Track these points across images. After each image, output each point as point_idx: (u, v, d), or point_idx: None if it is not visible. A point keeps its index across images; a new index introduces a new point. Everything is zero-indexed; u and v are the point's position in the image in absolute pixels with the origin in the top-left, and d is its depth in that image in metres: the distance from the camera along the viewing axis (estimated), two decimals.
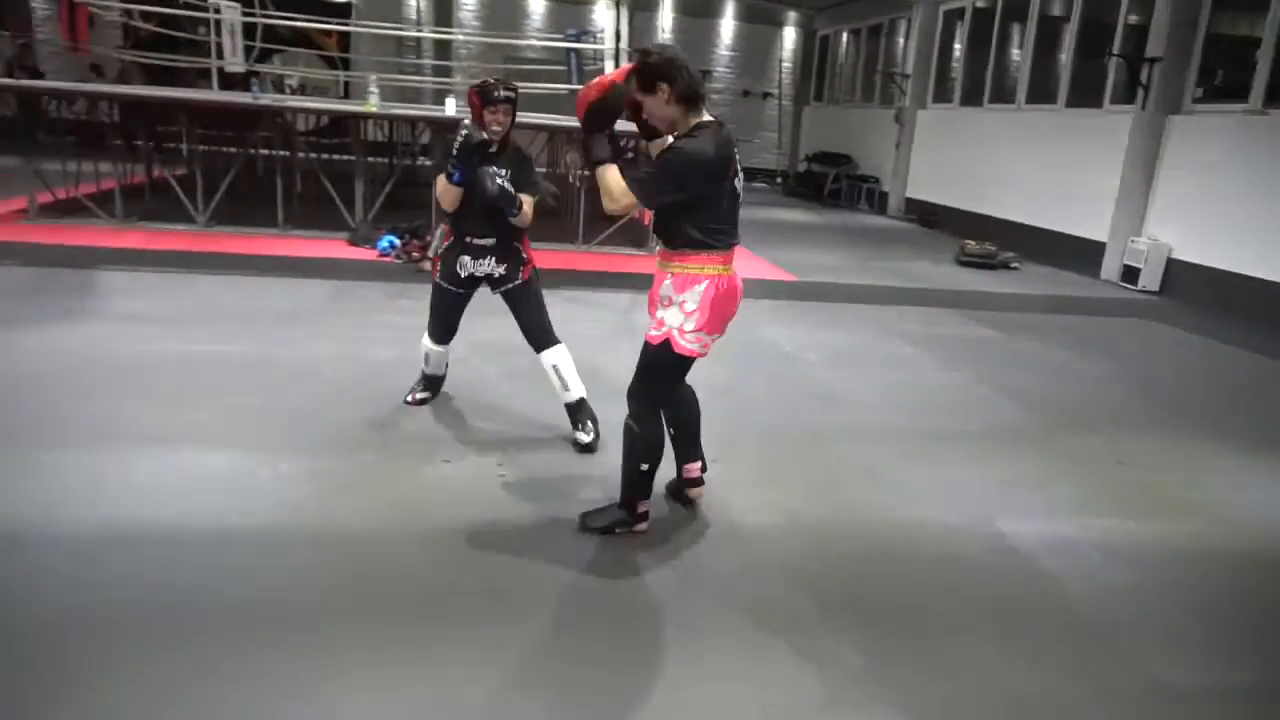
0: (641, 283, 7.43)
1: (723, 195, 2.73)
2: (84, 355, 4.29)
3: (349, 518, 2.94)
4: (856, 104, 16.59)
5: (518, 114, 3.61)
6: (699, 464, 3.22)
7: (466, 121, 3.47)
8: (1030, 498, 3.60)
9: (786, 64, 18.81)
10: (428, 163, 10.00)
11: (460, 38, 15.95)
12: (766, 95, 18.80)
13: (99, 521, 2.77)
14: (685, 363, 2.89)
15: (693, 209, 2.70)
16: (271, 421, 3.66)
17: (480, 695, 2.15)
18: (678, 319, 2.78)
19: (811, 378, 5.06)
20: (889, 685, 2.32)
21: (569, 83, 12.77)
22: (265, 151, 9.84)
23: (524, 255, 3.78)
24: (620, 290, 6.83)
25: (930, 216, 13.15)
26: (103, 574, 2.50)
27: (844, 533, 3.18)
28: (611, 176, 2.69)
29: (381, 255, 7.20)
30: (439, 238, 6.95)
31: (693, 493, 3.23)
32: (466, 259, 3.70)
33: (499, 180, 3.42)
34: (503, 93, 3.46)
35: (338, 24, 12.16)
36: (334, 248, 7.54)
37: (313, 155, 9.45)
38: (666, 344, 2.81)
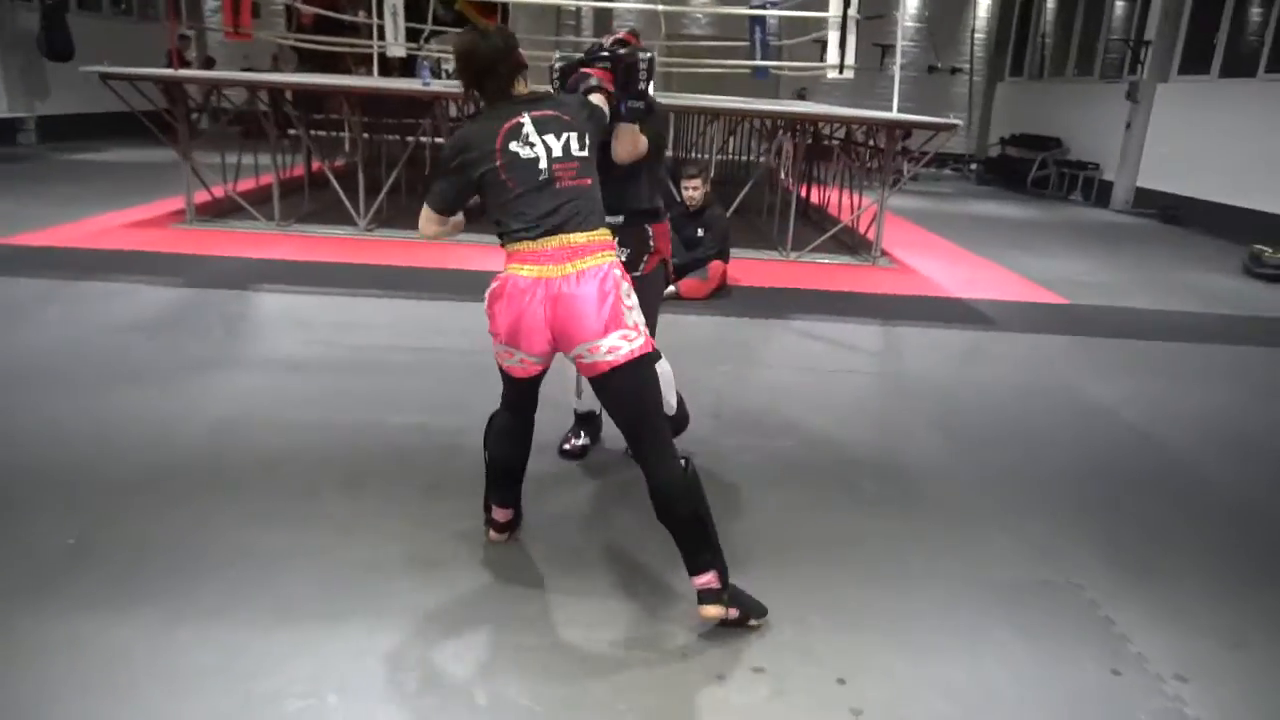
0: (879, 307, 6.16)
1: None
2: (221, 431, 3.26)
3: None
4: (1068, 79, 14.39)
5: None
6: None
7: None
8: None
9: (980, 35, 16.70)
10: None
11: (622, 6, 14.78)
12: (955, 70, 16.76)
13: None
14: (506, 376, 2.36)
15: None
16: (466, 588, 2.42)
17: None
18: None
19: (1220, 500, 3.45)
20: None
21: (752, 59, 11.39)
22: (428, 140, 8.95)
23: (651, 243, 2.97)
24: (846, 317, 5.46)
25: (1172, 211, 11.04)
26: None
27: None
28: None
29: None
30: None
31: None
32: None
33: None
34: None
35: None
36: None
37: None
38: None
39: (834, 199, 8.77)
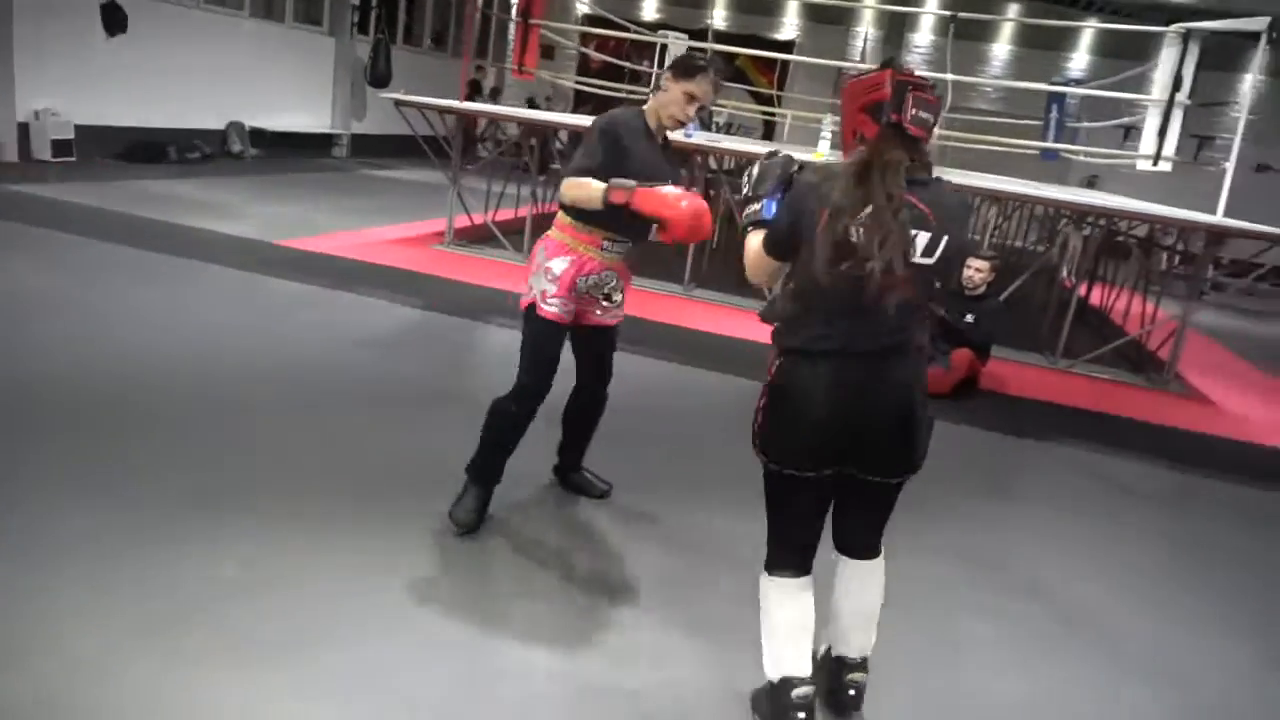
0: (1171, 445, 5.04)
1: None
2: (429, 465, 3.18)
3: None
4: None
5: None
6: None
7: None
8: None
9: None
10: None
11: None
12: None
13: None
14: None
15: None
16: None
17: None
18: None
19: None
20: None
21: (1043, 140, 10.39)
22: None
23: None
24: (1127, 452, 4.52)
25: None
26: None
27: None
28: None
29: None
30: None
31: None
32: None
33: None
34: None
35: (781, 56, 11.08)
36: (741, 323, 6.15)
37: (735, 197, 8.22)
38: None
39: (1121, 305, 7.64)
